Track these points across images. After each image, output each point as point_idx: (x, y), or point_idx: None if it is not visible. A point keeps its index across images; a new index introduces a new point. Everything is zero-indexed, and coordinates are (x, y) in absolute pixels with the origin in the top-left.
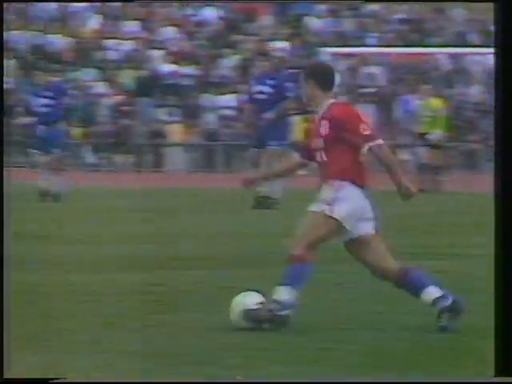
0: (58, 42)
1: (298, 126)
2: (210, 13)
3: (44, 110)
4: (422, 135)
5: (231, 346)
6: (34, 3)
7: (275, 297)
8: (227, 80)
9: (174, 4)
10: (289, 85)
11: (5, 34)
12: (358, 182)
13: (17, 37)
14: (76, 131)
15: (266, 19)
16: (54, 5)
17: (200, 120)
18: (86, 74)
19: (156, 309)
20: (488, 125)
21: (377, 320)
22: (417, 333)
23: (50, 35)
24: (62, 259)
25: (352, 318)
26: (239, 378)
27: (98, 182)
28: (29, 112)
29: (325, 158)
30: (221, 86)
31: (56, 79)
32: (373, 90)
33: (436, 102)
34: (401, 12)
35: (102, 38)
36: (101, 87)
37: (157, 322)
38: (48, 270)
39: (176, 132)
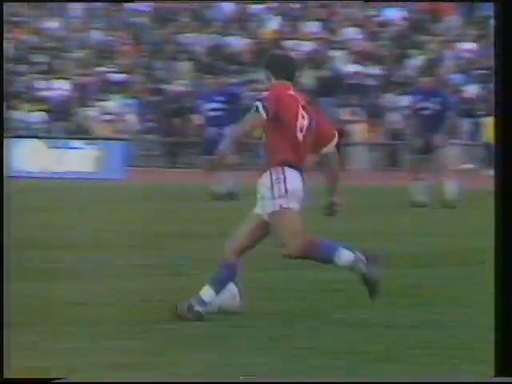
0: (237, 43)
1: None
2: (394, 13)
3: (214, 113)
4: None
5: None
6: (210, 4)
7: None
8: (412, 80)
9: (356, 4)
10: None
11: (179, 37)
12: (295, 163)
13: (192, 39)
14: None
15: (453, 20)
16: (231, 6)
17: (383, 119)
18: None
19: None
20: None
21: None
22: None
23: (227, 37)
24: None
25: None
26: (241, 379)
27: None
28: (200, 114)
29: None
30: (405, 86)
31: (233, 80)
32: None
33: None
34: None
35: (281, 39)
36: None
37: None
38: None
39: (359, 131)
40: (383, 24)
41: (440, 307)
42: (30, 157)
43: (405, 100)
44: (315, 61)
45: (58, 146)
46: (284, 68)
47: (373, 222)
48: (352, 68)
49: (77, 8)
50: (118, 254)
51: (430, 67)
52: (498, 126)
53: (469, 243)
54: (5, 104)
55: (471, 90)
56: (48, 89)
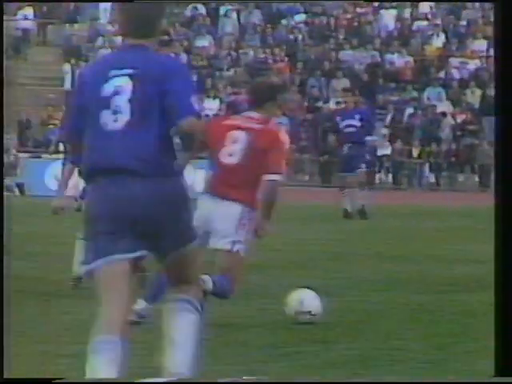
0: (398, 60)
1: None
2: None
3: (350, 130)
4: None
5: None
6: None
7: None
8: None
9: None
10: None
11: (339, 54)
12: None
13: (352, 56)
14: (416, 150)
15: None
16: (391, 23)
17: None
18: (429, 93)
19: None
20: None
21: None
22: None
23: (389, 54)
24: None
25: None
26: (245, 378)
27: (439, 201)
28: (339, 132)
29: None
30: None
31: (394, 98)
32: None
33: None
34: None
35: (446, 56)
36: (444, 106)
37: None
38: None
39: None
40: None
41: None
42: None
43: None
44: (481, 79)
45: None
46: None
47: None
48: None
49: (229, 25)
50: (273, 274)
51: None
52: (498, 128)
53: None
54: None
55: None
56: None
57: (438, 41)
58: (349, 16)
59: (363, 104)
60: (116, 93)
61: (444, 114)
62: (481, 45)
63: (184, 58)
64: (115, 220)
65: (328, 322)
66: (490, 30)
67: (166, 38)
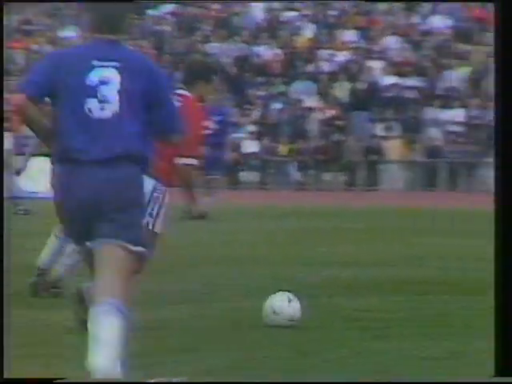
0: (267, 52)
1: None
2: (438, 21)
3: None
4: None
5: None
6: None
7: None
8: (455, 93)
9: (398, 12)
10: None
11: (206, 46)
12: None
13: (219, 49)
14: (282, 147)
15: None
16: (260, 14)
17: (422, 135)
18: (297, 87)
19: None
20: None
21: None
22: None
23: (256, 46)
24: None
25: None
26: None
27: (304, 200)
28: None
29: None
30: (448, 100)
31: (262, 93)
32: None
33: None
34: None
35: (315, 48)
36: (313, 100)
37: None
38: None
39: (394, 148)
40: (427, 33)
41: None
42: None
43: (447, 115)
44: (350, 72)
45: None
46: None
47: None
48: (390, 80)
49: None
50: None
51: (476, 80)
52: (497, 128)
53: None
54: None
55: None
56: None
57: (308, 32)
58: (217, 7)
59: (227, 100)
60: (103, 82)
61: (311, 109)
62: (351, 35)
63: (48, 49)
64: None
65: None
66: (361, 20)
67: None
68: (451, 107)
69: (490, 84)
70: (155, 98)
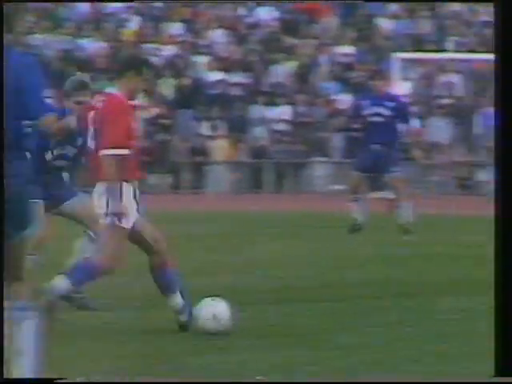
0: (91, 46)
1: None
2: (265, 13)
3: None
4: None
5: None
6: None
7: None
8: (282, 89)
9: (225, 4)
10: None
11: (29, 38)
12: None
13: (43, 41)
14: None
15: (330, 21)
16: (86, 5)
17: (248, 135)
18: None
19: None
20: None
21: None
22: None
23: (81, 39)
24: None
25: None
26: (259, 379)
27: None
28: None
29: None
30: (274, 97)
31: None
32: (450, 101)
33: None
34: (485, 14)
35: (141, 42)
36: (136, 98)
37: None
38: None
39: (220, 148)
40: (253, 26)
41: None
42: None
43: (273, 113)
44: (176, 68)
45: None
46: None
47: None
48: (215, 76)
49: None
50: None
51: (302, 75)
52: (498, 129)
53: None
54: None
55: (346, 100)
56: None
57: (134, 24)
58: None
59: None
60: None
61: (135, 107)
62: (177, 29)
63: None
64: None
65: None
66: (186, 13)
67: None
68: (277, 104)
69: (317, 79)
70: (23, 94)
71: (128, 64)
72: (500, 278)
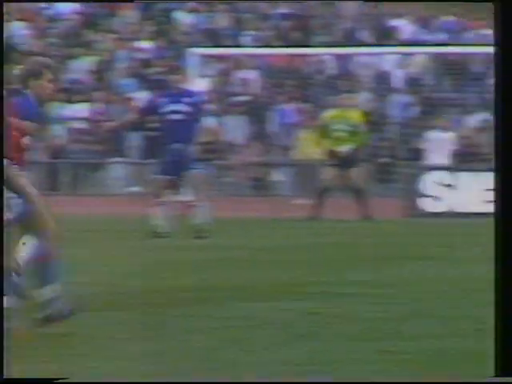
0: None
1: None
2: (65, 6)
3: None
4: (332, 152)
5: None
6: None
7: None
8: (79, 86)
9: None
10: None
11: None
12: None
13: None
14: None
15: (129, 15)
16: None
17: (44, 133)
18: None
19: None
20: (375, 139)
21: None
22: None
23: None
24: None
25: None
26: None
27: None
28: None
29: None
30: (71, 93)
31: None
32: (245, 98)
33: (355, 114)
34: (282, 6)
35: None
36: None
37: None
38: None
39: None
40: (53, 19)
41: None
42: None
43: (71, 110)
44: None
45: None
46: None
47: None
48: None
49: None
50: None
51: (100, 71)
52: (498, 131)
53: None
54: None
55: (143, 98)
56: None
57: None
58: None
59: None
60: None
61: None
62: None
63: None
64: None
65: None
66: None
67: None
68: (75, 102)
69: (115, 76)
70: None
71: (29, 71)
72: (500, 278)
